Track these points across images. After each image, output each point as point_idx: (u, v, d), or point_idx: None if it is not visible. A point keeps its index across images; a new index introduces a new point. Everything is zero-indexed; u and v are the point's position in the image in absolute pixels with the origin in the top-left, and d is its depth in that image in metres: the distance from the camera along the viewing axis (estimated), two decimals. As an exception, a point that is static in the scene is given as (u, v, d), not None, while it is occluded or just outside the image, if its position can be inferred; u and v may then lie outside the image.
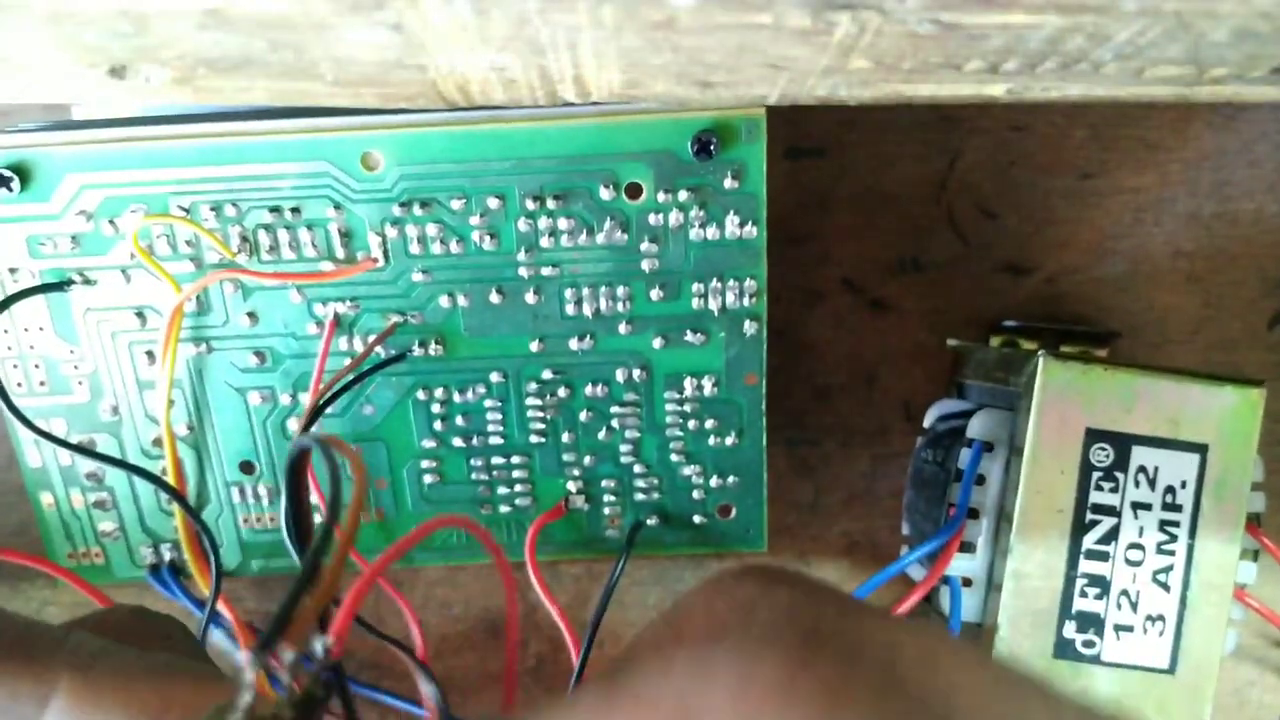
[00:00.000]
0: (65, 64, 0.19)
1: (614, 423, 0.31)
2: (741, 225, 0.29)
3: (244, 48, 0.19)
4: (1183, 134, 0.32)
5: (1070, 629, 0.27)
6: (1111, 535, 0.27)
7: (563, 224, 0.29)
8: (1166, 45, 0.19)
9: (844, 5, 0.18)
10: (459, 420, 0.31)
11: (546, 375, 0.31)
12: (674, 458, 0.32)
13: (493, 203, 0.28)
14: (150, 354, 0.30)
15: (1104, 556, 0.27)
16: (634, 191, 0.29)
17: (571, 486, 0.32)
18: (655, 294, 0.30)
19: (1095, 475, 0.27)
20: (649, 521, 0.33)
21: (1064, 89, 0.21)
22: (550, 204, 0.29)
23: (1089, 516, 0.27)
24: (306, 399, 0.30)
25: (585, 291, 0.30)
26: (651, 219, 0.29)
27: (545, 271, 0.29)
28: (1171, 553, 0.27)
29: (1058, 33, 0.18)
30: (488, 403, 0.31)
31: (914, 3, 0.17)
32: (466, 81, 0.21)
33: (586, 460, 0.32)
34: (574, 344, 0.30)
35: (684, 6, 0.18)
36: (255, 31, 0.18)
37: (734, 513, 0.33)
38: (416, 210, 0.29)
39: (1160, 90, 0.20)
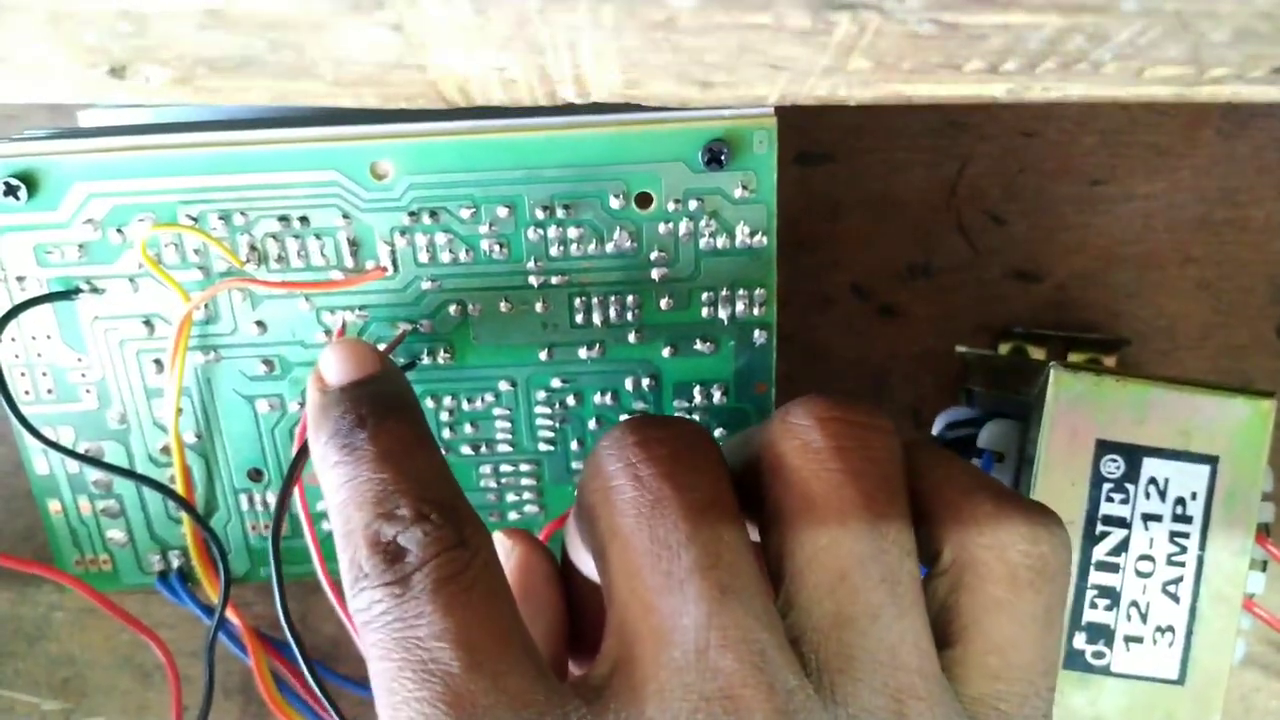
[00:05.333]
0: (65, 64, 0.19)
1: (622, 431, 0.31)
2: (751, 235, 0.29)
3: (244, 48, 0.19)
4: (1192, 140, 0.32)
5: (1080, 640, 0.27)
6: (1122, 547, 0.27)
7: (572, 233, 0.29)
8: (1166, 45, 0.19)
9: (844, 5, 0.18)
10: (468, 428, 0.31)
11: (555, 384, 0.31)
12: (682, 467, 0.32)
13: (502, 212, 0.29)
14: (158, 362, 0.30)
15: (1114, 568, 0.27)
16: (644, 201, 0.29)
17: (579, 495, 0.32)
18: (665, 303, 0.30)
19: (1106, 487, 0.27)
20: (657, 531, 0.33)
21: (1064, 89, 0.21)
22: (560, 213, 0.29)
23: (1099, 528, 0.27)
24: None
25: (595, 300, 0.30)
26: (661, 228, 0.29)
27: (554, 280, 0.29)
28: (1181, 564, 0.27)
29: (1058, 33, 0.18)
30: (496, 411, 0.31)
31: (914, 3, 0.17)
32: (466, 81, 0.21)
33: (594, 469, 0.32)
34: (583, 353, 0.30)
35: (684, 6, 0.18)
36: (255, 31, 0.18)
37: (742, 523, 0.33)
38: (425, 220, 0.29)
39: (1160, 90, 0.20)
